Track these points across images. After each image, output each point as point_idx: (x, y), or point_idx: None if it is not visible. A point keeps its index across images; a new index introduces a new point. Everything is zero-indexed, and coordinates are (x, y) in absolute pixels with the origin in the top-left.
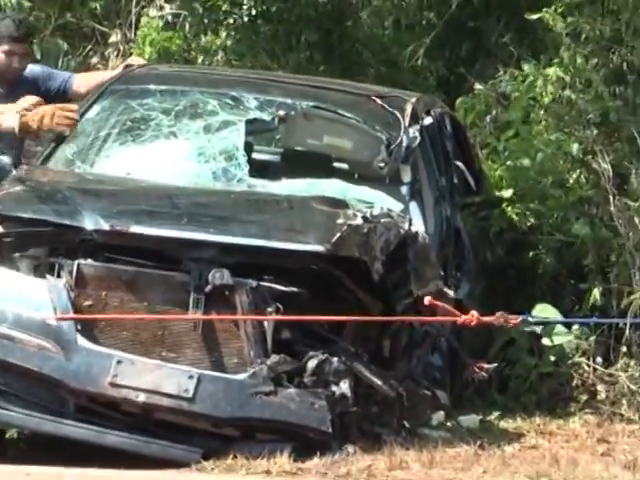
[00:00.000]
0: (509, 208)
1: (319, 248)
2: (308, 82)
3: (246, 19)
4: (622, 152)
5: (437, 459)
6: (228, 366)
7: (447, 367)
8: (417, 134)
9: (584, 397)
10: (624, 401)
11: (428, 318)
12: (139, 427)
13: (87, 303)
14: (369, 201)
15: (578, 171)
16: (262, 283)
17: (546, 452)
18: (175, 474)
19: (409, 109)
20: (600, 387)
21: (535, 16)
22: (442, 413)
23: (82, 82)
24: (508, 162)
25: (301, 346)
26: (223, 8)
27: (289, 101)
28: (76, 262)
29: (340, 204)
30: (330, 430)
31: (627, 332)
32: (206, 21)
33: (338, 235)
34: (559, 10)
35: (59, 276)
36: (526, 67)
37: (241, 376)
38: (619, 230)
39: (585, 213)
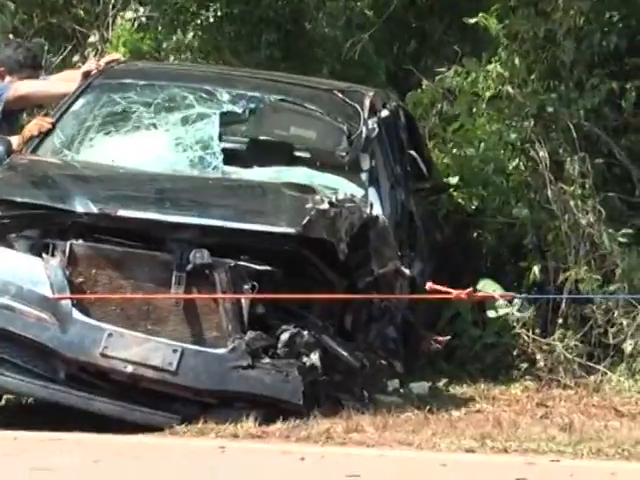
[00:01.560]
0: (455, 193)
1: (291, 230)
2: (275, 78)
3: (212, 20)
4: (558, 141)
5: (390, 423)
6: (208, 339)
7: (401, 338)
8: (375, 125)
9: (524, 365)
10: (561, 368)
11: (423, 296)
12: (123, 395)
13: (79, 280)
14: (333, 187)
15: (517, 159)
16: (239, 262)
17: (490, 415)
18: (150, 438)
19: (367, 102)
20: (539, 356)
21: (472, 20)
22: (397, 381)
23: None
24: (454, 151)
25: (273, 320)
26: (191, 10)
27: (258, 95)
28: (68, 243)
29: (308, 190)
30: (302, 402)
31: (563, 305)
32: (175, 23)
33: (307, 218)
34: (496, 12)
35: (53, 255)
36: (467, 64)
37: (221, 350)
38: (556, 213)
39: (524, 197)
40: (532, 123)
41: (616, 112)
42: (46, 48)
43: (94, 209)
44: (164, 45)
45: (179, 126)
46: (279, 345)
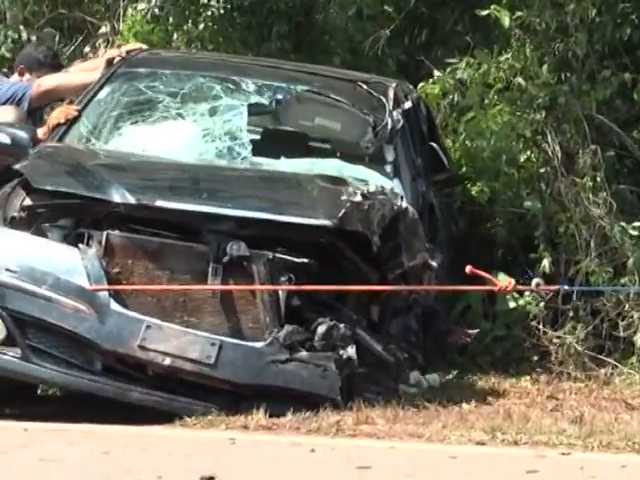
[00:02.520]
0: (469, 185)
1: (327, 222)
2: (300, 68)
3: (222, 11)
4: (570, 133)
5: (400, 415)
6: (244, 332)
7: (421, 330)
8: (400, 117)
9: (535, 358)
10: (571, 361)
11: (466, 287)
12: (158, 385)
13: (115, 270)
14: (362, 179)
15: (529, 151)
16: (277, 255)
17: (500, 408)
18: (159, 429)
19: (391, 94)
20: (549, 349)
21: (484, 12)
22: (417, 372)
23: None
24: (466, 143)
25: (308, 312)
26: (202, 1)
27: (284, 85)
28: (105, 233)
29: (340, 182)
30: (339, 397)
31: (574, 298)
32: (187, 13)
33: (343, 210)
34: (508, 4)
35: (88, 245)
36: (479, 56)
37: (259, 344)
38: (566, 205)
39: (535, 189)
40: (544, 115)
41: (628, 104)
42: (57, 39)
43: (132, 199)
44: (174, 36)
45: (207, 116)
46: (316, 338)
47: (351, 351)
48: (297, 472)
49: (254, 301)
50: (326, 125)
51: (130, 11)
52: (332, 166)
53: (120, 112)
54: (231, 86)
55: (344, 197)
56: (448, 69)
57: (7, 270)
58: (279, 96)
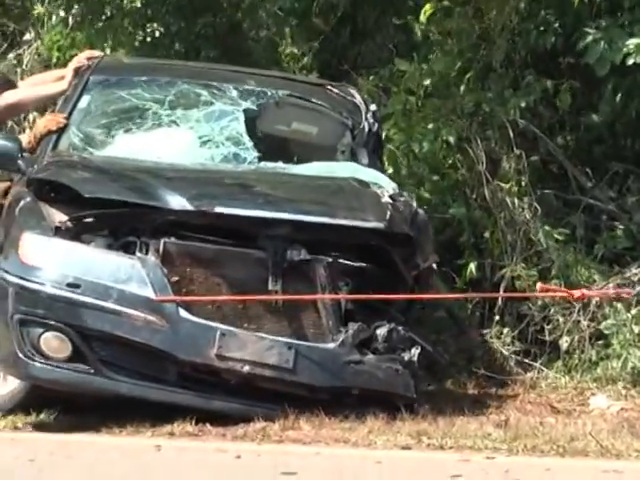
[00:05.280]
0: None
1: (380, 225)
2: (266, 73)
3: (149, 39)
4: (494, 139)
5: (326, 420)
6: (308, 334)
7: None
8: (373, 120)
9: (461, 362)
10: (497, 365)
11: (542, 294)
12: (237, 392)
13: (175, 279)
14: (374, 182)
15: (454, 157)
16: (337, 259)
17: (426, 412)
18: (85, 436)
19: (359, 97)
20: (475, 353)
21: (399, 22)
22: None
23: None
24: (390, 148)
25: (360, 315)
26: (128, 30)
27: (266, 90)
28: (162, 241)
29: (367, 185)
30: (415, 395)
31: (499, 302)
32: (110, 42)
33: (389, 213)
34: (431, 11)
35: (140, 253)
36: (402, 65)
37: (331, 345)
38: (492, 210)
39: (461, 195)
40: (468, 121)
41: (552, 110)
42: None
43: (190, 206)
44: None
45: (203, 122)
46: (379, 340)
47: (414, 352)
48: (223, 478)
49: (314, 305)
50: (302, 129)
51: (54, 19)
52: (349, 169)
53: (109, 120)
54: (216, 92)
55: (384, 200)
56: (371, 77)
57: (69, 285)
58: (262, 100)
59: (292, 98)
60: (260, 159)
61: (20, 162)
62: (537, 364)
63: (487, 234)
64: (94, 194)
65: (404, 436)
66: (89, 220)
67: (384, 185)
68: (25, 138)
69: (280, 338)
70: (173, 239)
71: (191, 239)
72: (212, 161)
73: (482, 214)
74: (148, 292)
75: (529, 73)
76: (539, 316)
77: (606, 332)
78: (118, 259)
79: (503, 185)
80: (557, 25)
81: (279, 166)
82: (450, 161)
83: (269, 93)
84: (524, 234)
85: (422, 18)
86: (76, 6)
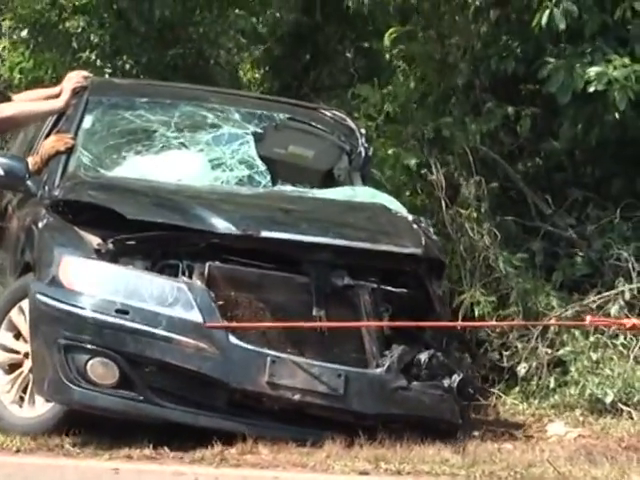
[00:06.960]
0: None
1: (417, 251)
2: (264, 97)
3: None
4: (454, 165)
5: (285, 445)
6: (351, 361)
7: None
8: (367, 144)
9: None
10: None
11: (602, 321)
12: (285, 419)
13: (220, 303)
14: (389, 207)
15: (414, 183)
16: (380, 285)
17: (385, 439)
18: (42, 459)
19: (350, 121)
20: None
21: (366, 44)
22: None
23: None
24: None
25: (399, 341)
26: (96, 64)
27: (267, 113)
28: (207, 264)
29: (393, 210)
30: (460, 421)
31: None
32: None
33: (424, 239)
34: (392, 37)
35: (185, 276)
36: (363, 91)
37: (378, 371)
38: (451, 236)
39: None
40: (428, 147)
41: (512, 136)
42: None
43: (236, 230)
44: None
45: (213, 145)
46: (421, 366)
47: (455, 379)
48: None
49: (358, 330)
50: (299, 153)
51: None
52: (368, 193)
53: (118, 141)
54: (220, 114)
55: (415, 226)
56: (333, 100)
57: (117, 311)
58: (265, 123)
59: (292, 121)
60: (274, 182)
61: (29, 183)
62: (495, 390)
63: (446, 260)
64: (138, 217)
65: (362, 461)
66: (130, 242)
67: (402, 211)
68: (30, 160)
69: (329, 364)
70: (217, 263)
71: (233, 263)
72: (228, 184)
73: (441, 240)
74: (196, 317)
75: (490, 99)
76: (497, 342)
77: (564, 359)
78: (164, 282)
79: (462, 211)
80: (519, 51)
81: (301, 190)
82: (410, 186)
83: (271, 116)
84: (483, 260)
85: (386, 42)
86: (40, 38)
